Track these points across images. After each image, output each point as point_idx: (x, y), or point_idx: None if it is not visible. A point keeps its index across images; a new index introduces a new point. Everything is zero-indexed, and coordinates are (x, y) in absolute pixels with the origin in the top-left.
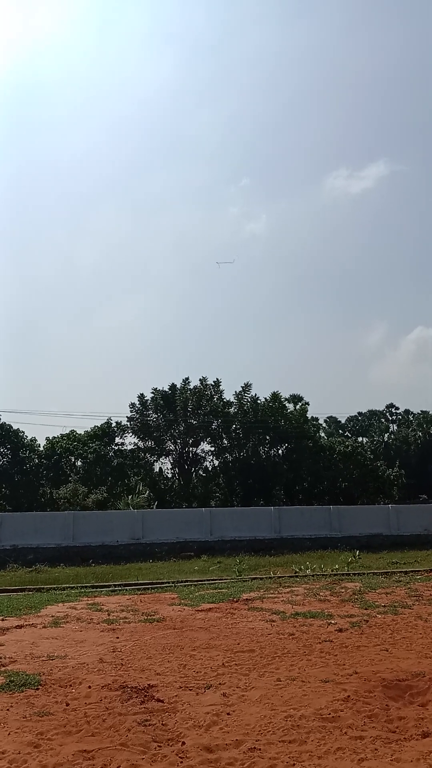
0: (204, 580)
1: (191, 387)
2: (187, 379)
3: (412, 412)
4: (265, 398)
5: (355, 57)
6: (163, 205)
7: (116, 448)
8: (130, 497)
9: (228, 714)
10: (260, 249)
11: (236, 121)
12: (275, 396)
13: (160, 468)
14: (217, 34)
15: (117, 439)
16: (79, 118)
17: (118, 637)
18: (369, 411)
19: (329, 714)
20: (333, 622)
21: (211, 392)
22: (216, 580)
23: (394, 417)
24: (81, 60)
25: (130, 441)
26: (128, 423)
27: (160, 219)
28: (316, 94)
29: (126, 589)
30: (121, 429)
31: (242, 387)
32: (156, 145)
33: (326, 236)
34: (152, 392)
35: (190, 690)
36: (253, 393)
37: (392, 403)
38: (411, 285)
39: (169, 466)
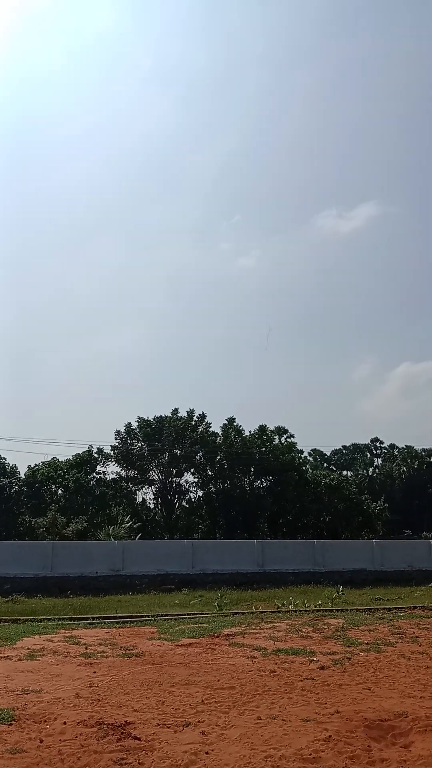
0: (184, 614)
1: (179, 416)
2: (176, 409)
3: (397, 447)
4: (251, 431)
5: (350, 101)
6: (157, 238)
7: (98, 477)
8: (111, 528)
9: (206, 753)
10: (251, 284)
11: (230, 159)
12: (262, 429)
13: (143, 498)
14: (216, 76)
15: (99, 468)
16: (77, 151)
17: (95, 672)
18: (353, 444)
19: (310, 755)
20: (315, 659)
21: (197, 423)
22: (197, 614)
23: (378, 451)
24: (81, 94)
25: (112, 470)
26: (112, 452)
27: (154, 252)
28: (309, 135)
29: (105, 622)
30: (104, 457)
31: (227, 420)
32: (152, 179)
33: (316, 273)
34: (137, 421)
35: (168, 727)
36: (239, 425)
37: (377, 437)
38: (398, 321)
39: (152, 497)
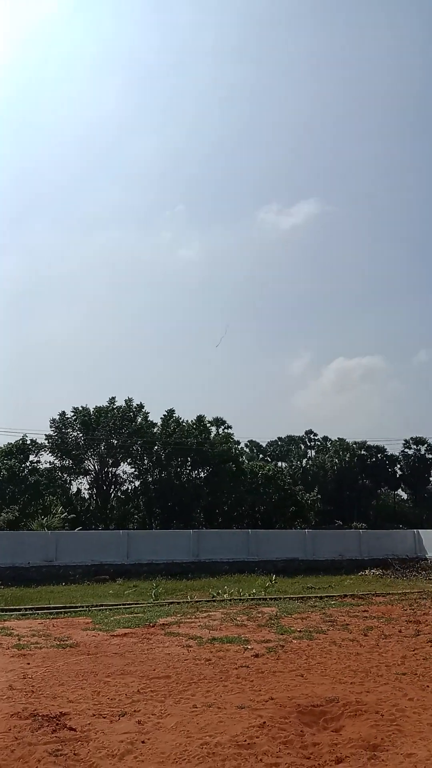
0: (119, 605)
1: (116, 406)
2: (113, 398)
3: (330, 439)
4: (187, 421)
5: (295, 98)
6: (97, 223)
7: (31, 466)
8: (44, 518)
9: (143, 742)
10: (192, 274)
11: (175, 149)
12: (200, 419)
13: (78, 488)
14: (162, 66)
15: (32, 457)
16: (17, 132)
17: (29, 663)
18: (288, 436)
19: (245, 741)
20: (249, 647)
21: (135, 413)
22: (132, 604)
23: (312, 443)
24: (24, 76)
25: (46, 459)
26: (46, 440)
27: (94, 237)
28: (253, 129)
29: (38, 613)
30: (38, 446)
31: (167, 411)
32: (92, 164)
33: (255, 267)
34: (73, 410)
35: (104, 718)
36: (177, 415)
37: (311, 430)
38: (334, 317)
39: (87, 487)
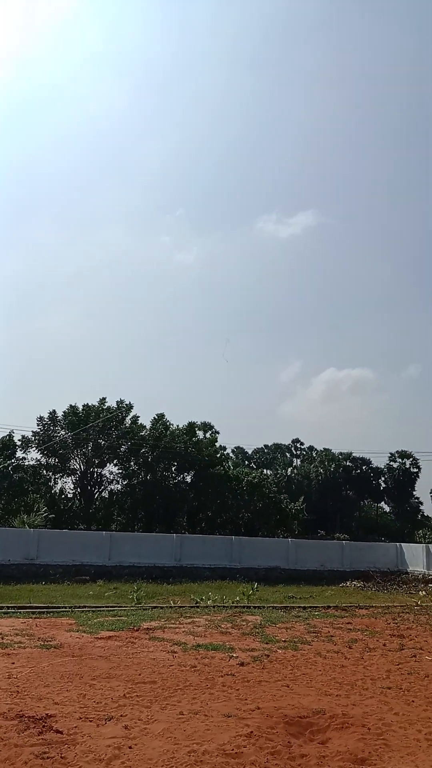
0: (102, 607)
1: (107, 406)
2: (104, 399)
3: (315, 449)
4: (178, 426)
5: (297, 109)
6: (97, 224)
7: (16, 463)
8: (26, 516)
9: (130, 747)
10: (188, 279)
11: (178, 154)
12: (191, 425)
13: (62, 487)
14: (167, 69)
15: (19, 453)
16: (22, 128)
17: (13, 663)
18: (274, 444)
19: (232, 750)
20: (235, 655)
21: (124, 414)
22: (115, 606)
23: (298, 452)
24: (29, 71)
25: (32, 457)
26: (33, 437)
27: (92, 237)
28: (256, 138)
29: (20, 612)
30: (25, 443)
31: (157, 415)
32: (97, 164)
33: (252, 275)
34: (68, 409)
35: (91, 721)
36: (167, 420)
37: (298, 438)
38: (326, 329)
39: (72, 486)
